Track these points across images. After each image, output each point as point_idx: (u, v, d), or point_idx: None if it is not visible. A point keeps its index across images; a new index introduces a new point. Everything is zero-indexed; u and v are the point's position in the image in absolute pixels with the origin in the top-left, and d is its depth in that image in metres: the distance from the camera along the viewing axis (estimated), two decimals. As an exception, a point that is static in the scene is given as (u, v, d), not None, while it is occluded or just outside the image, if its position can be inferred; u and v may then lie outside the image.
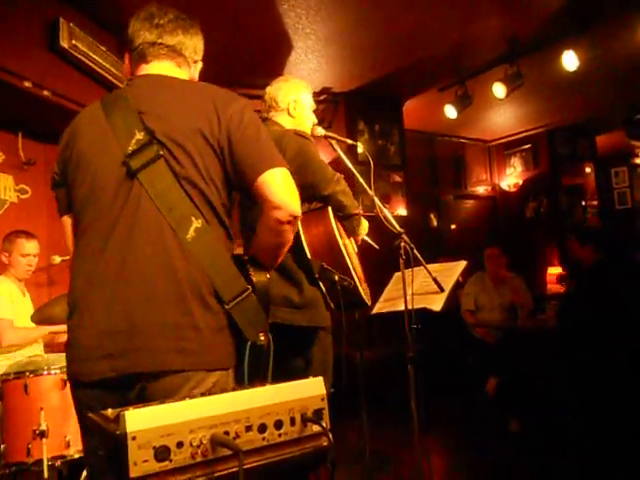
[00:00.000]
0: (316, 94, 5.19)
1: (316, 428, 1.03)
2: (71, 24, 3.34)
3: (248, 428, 0.96)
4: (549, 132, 7.26)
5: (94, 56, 3.50)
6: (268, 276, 1.36)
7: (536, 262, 7.11)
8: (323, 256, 2.21)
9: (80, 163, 1.37)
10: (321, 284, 2.24)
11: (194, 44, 1.49)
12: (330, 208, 2.26)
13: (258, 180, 1.29)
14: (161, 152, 1.28)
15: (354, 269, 2.26)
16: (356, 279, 2.23)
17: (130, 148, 1.29)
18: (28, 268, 3.32)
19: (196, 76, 1.55)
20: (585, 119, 6.99)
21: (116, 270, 1.25)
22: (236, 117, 1.33)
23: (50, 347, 3.42)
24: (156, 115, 1.32)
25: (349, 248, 2.37)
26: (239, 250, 1.68)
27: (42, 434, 2.43)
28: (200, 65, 1.55)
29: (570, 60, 4.49)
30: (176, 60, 1.46)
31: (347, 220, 2.36)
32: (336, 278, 2.18)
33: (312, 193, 2.16)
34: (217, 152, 1.32)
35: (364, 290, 2.33)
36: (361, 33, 4.22)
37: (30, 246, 3.32)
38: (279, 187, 1.30)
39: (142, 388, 1.21)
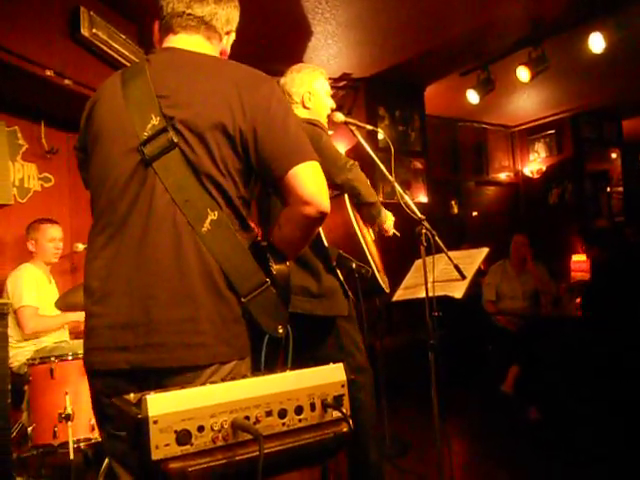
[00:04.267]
0: (336, 80, 5.16)
1: (336, 414, 1.03)
2: (92, 12, 3.35)
3: (268, 413, 0.96)
4: (574, 117, 7.10)
5: (114, 44, 3.51)
6: (288, 264, 1.32)
7: (560, 249, 7.00)
8: (340, 244, 2.19)
9: (96, 140, 1.33)
10: (339, 272, 2.23)
11: (227, 13, 1.38)
12: (347, 196, 2.24)
13: (288, 175, 1.23)
14: (176, 140, 1.22)
15: (372, 257, 2.25)
16: (374, 266, 2.22)
17: (145, 134, 1.24)
18: (56, 251, 3.43)
19: (228, 49, 1.46)
20: (611, 103, 6.82)
21: (133, 262, 1.22)
22: (263, 105, 1.26)
23: (75, 334, 3.49)
24: (175, 101, 1.25)
25: (367, 237, 2.35)
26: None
27: (67, 417, 2.50)
28: (233, 36, 1.45)
29: (597, 42, 4.38)
30: (205, 33, 1.37)
31: (364, 208, 2.34)
32: (353, 266, 2.16)
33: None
34: (237, 144, 1.25)
35: (382, 278, 2.32)
36: (381, 17, 4.16)
37: (54, 231, 3.43)
38: (310, 182, 1.23)
39: (158, 379, 1.20)
